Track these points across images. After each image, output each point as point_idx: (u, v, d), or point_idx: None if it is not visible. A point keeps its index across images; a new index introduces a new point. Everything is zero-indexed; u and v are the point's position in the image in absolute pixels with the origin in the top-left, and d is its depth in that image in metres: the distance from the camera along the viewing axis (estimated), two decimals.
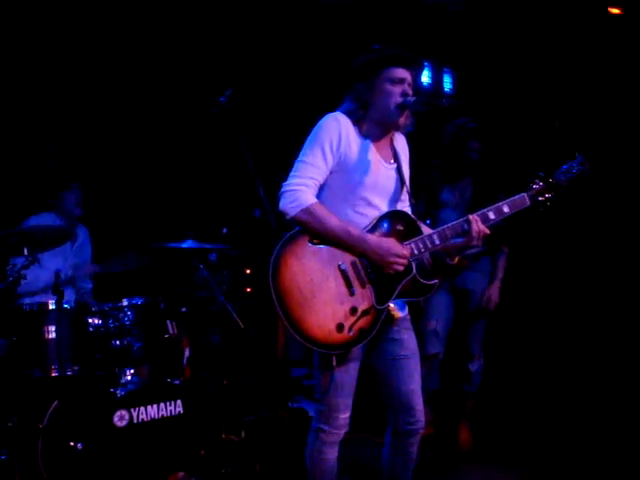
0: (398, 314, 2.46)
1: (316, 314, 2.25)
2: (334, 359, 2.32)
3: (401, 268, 2.34)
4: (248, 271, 4.43)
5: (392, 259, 2.32)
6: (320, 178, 2.36)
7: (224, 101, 3.27)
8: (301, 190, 2.31)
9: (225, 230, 4.19)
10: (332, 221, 2.31)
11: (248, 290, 4.39)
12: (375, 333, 2.36)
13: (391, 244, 2.34)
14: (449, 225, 2.45)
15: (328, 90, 4.50)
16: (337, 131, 2.36)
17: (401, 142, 2.59)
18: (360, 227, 2.39)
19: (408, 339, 2.51)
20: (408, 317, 2.56)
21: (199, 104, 4.26)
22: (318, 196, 2.39)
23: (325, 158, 2.34)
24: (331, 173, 2.39)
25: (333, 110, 2.48)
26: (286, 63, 4.75)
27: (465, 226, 2.43)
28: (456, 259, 2.50)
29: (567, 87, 4.93)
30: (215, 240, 4.02)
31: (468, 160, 3.83)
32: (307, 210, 2.29)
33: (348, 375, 2.39)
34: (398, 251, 2.33)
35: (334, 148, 2.34)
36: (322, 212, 2.31)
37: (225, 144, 4.23)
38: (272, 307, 2.23)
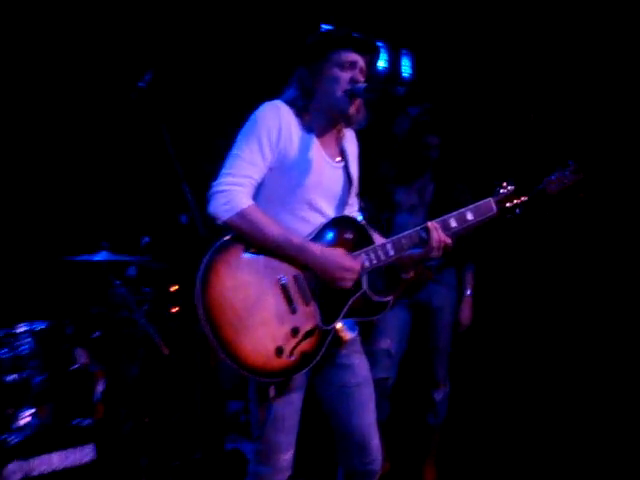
0: (347, 336, 2.47)
1: (252, 336, 2.23)
2: (272, 389, 2.32)
3: (350, 284, 2.35)
4: (174, 288, 4.38)
5: (340, 273, 2.32)
6: (257, 176, 2.35)
7: (143, 86, 3.23)
8: (235, 190, 2.29)
9: (146, 239, 4.14)
10: (271, 227, 2.29)
11: (174, 310, 4.34)
12: (320, 358, 2.36)
13: (339, 255, 2.34)
14: (405, 234, 2.46)
15: (268, 75, 4.56)
16: (277, 122, 2.35)
17: (349, 138, 2.61)
18: (302, 235, 2.38)
19: (359, 364, 2.52)
20: (359, 339, 2.58)
21: (113, 90, 4.22)
22: (254, 198, 2.38)
23: (263, 153, 2.33)
24: (269, 171, 2.39)
25: (273, 98, 2.48)
26: (219, 42, 4.74)
27: (423, 235, 2.45)
28: (411, 273, 2.55)
29: (543, 73, 5.10)
30: (134, 251, 3.98)
31: (425, 157, 3.86)
32: (242, 214, 2.27)
33: (290, 408, 2.39)
34: (347, 264, 2.33)
35: (273, 141, 2.34)
36: (259, 216, 2.29)
37: (145, 138, 4.20)
38: (201, 329, 2.20)
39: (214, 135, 4.26)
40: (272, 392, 2.32)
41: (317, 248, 2.34)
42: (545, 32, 5.04)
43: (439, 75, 5.37)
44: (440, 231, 2.46)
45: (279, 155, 2.37)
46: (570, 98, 4.99)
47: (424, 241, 2.45)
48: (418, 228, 2.48)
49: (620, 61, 4.80)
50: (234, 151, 2.35)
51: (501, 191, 2.60)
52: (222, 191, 2.29)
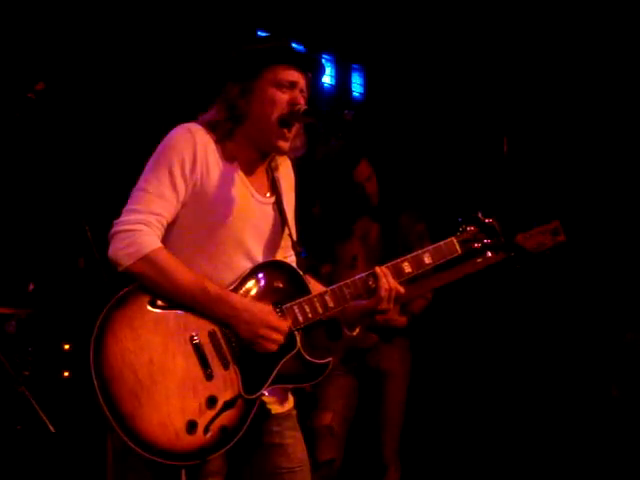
0: (278, 408, 2.42)
1: (157, 408, 2.17)
2: (184, 474, 2.23)
3: (274, 347, 2.30)
4: (66, 347, 4.30)
5: (263, 331, 2.27)
6: (167, 214, 2.31)
7: (33, 98, 3.23)
8: (140, 231, 2.24)
9: (31, 286, 4.07)
10: (183, 274, 2.26)
11: (65, 375, 4.25)
12: (244, 435, 2.27)
13: (263, 310, 2.31)
14: (348, 281, 2.43)
15: (187, 90, 4.59)
16: (191, 149, 2.32)
17: (284, 168, 2.58)
18: (225, 284, 2.35)
19: (294, 445, 2.46)
20: (293, 412, 2.51)
21: None
22: (164, 240, 2.34)
23: (175, 186, 2.30)
24: (182, 208, 2.35)
25: (193, 117, 2.44)
26: (129, 50, 4.74)
27: (370, 283, 2.44)
28: (356, 329, 2.55)
29: (513, 90, 5.32)
30: (15, 301, 3.92)
31: (358, 194, 3.87)
32: (147, 258, 2.22)
33: None
34: (273, 321, 2.29)
35: (187, 172, 2.31)
36: (168, 261, 2.25)
37: (35, 160, 4.16)
38: (90, 391, 2.14)
39: (123, 159, 4.24)
40: (184, 478, 2.24)
41: (238, 299, 2.31)
42: (511, 48, 5.25)
43: (394, 94, 5.47)
44: (390, 278, 2.45)
45: (194, 189, 2.33)
46: (543, 120, 5.22)
47: (371, 290, 2.43)
48: (364, 275, 2.45)
49: (599, 87, 5.10)
50: (140, 184, 2.30)
51: (467, 228, 2.63)
52: (124, 231, 2.24)
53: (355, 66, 5.65)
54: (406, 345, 4.05)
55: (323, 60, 5.42)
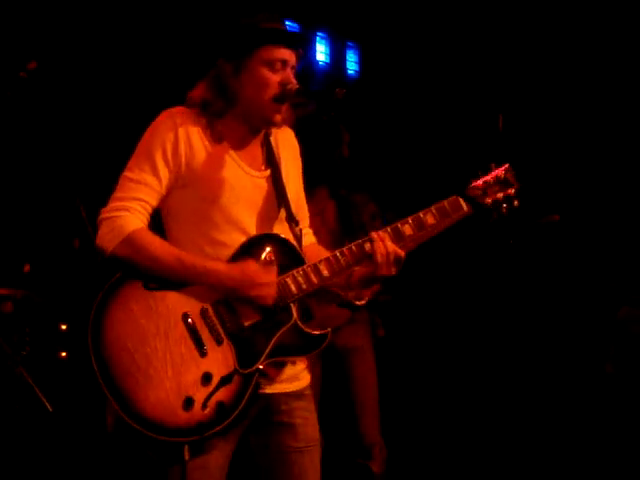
0: (287, 386, 2.39)
1: (155, 387, 2.21)
2: (187, 450, 2.24)
3: (270, 301, 2.31)
4: (63, 327, 4.30)
5: (255, 291, 2.28)
6: (151, 199, 2.34)
7: (26, 77, 3.20)
8: (120, 216, 2.29)
9: (27, 267, 4.07)
10: (162, 251, 2.29)
11: (63, 355, 4.26)
12: (244, 410, 2.28)
13: (249, 269, 2.30)
14: (344, 249, 2.40)
15: (180, 67, 4.56)
16: (173, 134, 2.34)
17: (285, 139, 2.57)
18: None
19: (304, 425, 2.45)
20: (307, 392, 2.49)
21: None
22: (166, 227, 2.39)
23: (156, 172, 2.33)
24: (173, 190, 2.38)
25: (181, 96, 2.43)
26: (121, 28, 4.71)
27: (367, 248, 2.39)
28: (364, 297, 2.51)
29: (508, 68, 5.30)
30: (11, 282, 3.92)
31: (323, 159, 3.72)
32: (126, 240, 2.27)
33: (209, 476, 2.32)
34: (260, 277, 2.29)
35: (169, 157, 2.34)
36: (148, 240, 2.29)
37: (28, 140, 4.15)
38: (91, 373, 2.20)
39: (116, 138, 4.21)
40: (187, 454, 2.25)
41: (221, 266, 2.31)
42: (507, 26, 5.23)
43: (390, 72, 5.44)
44: (388, 241, 2.38)
45: (181, 172, 2.36)
46: (536, 96, 5.20)
47: (369, 256, 2.39)
48: (360, 240, 2.41)
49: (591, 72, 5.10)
50: (124, 172, 2.35)
51: (477, 182, 2.47)
52: (106, 219, 2.30)
53: (350, 44, 5.60)
54: (366, 318, 4.01)
55: (318, 37, 5.39)
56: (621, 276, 4.88)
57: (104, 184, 2.47)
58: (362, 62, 5.65)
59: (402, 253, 2.40)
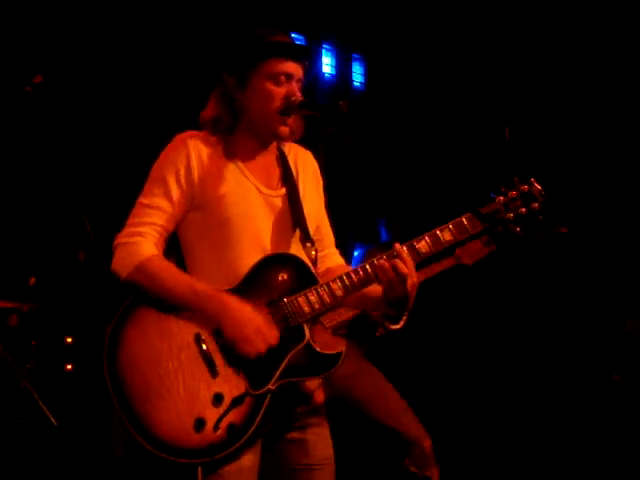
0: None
1: (167, 408, 2.21)
2: (199, 471, 2.22)
3: (258, 350, 2.26)
4: (69, 340, 4.29)
5: (250, 334, 2.25)
6: (166, 223, 2.36)
7: (31, 91, 3.21)
8: (135, 242, 2.31)
9: (32, 280, 4.07)
10: (172, 278, 2.29)
11: (68, 368, 4.25)
12: (256, 432, 2.26)
13: (253, 315, 2.27)
14: (358, 267, 2.36)
15: (184, 82, 4.56)
16: (185, 158, 2.36)
17: (304, 159, 2.56)
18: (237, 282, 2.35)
19: (315, 441, 2.42)
20: (321, 409, 2.47)
21: None
22: (183, 249, 2.41)
23: (169, 197, 2.35)
24: (188, 213, 2.39)
25: (187, 113, 2.47)
26: (126, 42, 4.71)
27: (380, 272, 2.30)
28: (402, 320, 2.38)
29: (514, 80, 5.29)
30: (17, 295, 3.92)
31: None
32: (140, 267, 2.29)
33: None
34: (262, 326, 2.26)
35: (182, 181, 2.35)
36: (161, 267, 2.30)
37: (34, 153, 4.14)
38: (105, 394, 2.21)
39: (122, 152, 4.22)
40: (200, 476, 2.23)
41: (232, 300, 2.29)
42: (512, 38, 5.22)
43: (395, 83, 5.41)
44: (407, 255, 2.30)
45: (195, 195, 2.36)
46: (542, 108, 5.19)
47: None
48: (373, 259, 2.34)
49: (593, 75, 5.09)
50: (138, 199, 2.38)
51: (499, 198, 2.36)
52: (121, 244, 2.33)
53: (356, 56, 5.60)
54: (354, 344, 3.99)
55: (323, 49, 5.39)
56: (628, 289, 4.88)
57: (109, 197, 2.47)
58: (368, 74, 5.64)
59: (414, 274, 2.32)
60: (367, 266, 2.35)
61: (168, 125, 2.55)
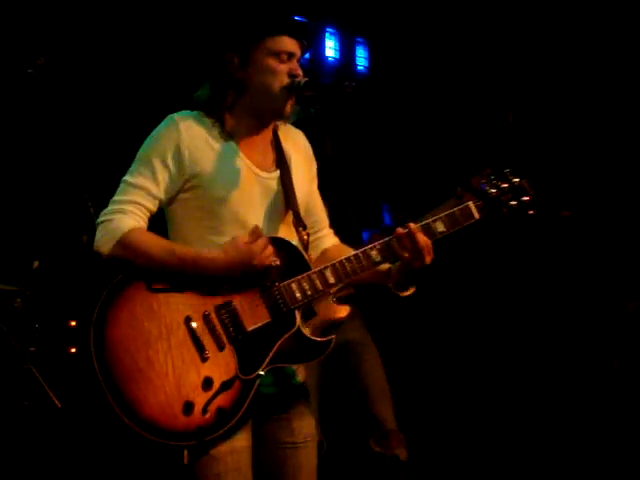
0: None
1: (155, 390, 2.21)
2: (185, 454, 2.24)
3: (273, 259, 2.29)
4: (72, 323, 4.31)
5: (254, 262, 2.26)
6: (148, 203, 2.34)
7: (33, 73, 3.20)
8: (115, 219, 2.30)
9: (36, 264, 4.07)
10: (156, 247, 2.29)
11: (72, 351, 4.27)
12: (244, 415, 2.28)
13: (239, 241, 2.28)
14: (350, 255, 2.38)
15: (188, 62, 4.55)
16: (174, 138, 2.35)
17: (296, 140, 2.57)
18: None
19: (299, 419, 2.46)
20: (303, 387, 2.50)
21: None
22: (170, 233, 2.41)
23: (155, 177, 2.33)
24: (179, 195, 2.38)
25: (189, 93, 2.44)
26: (128, 23, 4.70)
27: (374, 255, 2.37)
28: (410, 288, 2.43)
29: (518, 65, 5.26)
30: (20, 278, 3.92)
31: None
32: (121, 240, 2.27)
33: (237, 475, 2.32)
34: (255, 244, 2.27)
35: (170, 163, 2.34)
36: (140, 238, 2.29)
37: (37, 136, 4.14)
38: (90, 373, 2.20)
39: (124, 135, 4.20)
40: (186, 458, 2.25)
41: (214, 252, 2.30)
42: (517, 22, 5.19)
43: (399, 67, 5.38)
44: (419, 235, 2.34)
45: (190, 176, 2.36)
46: (549, 95, 5.17)
47: (376, 263, 2.38)
48: (367, 247, 2.39)
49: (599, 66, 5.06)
50: (124, 177, 2.38)
51: (490, 190, 2.47)
52: (102, 222, 2.33)
53: (360, 39, 5.57)
54: (360, 314, 4.02)
55: (327, 33, 5.37)
56: (629, 271, 4.87)
57: (112, 180, 2.46)
58: (372, 58, 5.61)
59: (429, 242, 2.37)
60: (360, 254, 2.38)
61: (170, 108, 2.53)
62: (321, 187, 3.46)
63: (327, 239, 2.64)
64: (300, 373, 2.51)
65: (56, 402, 3.60)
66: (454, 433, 5.02)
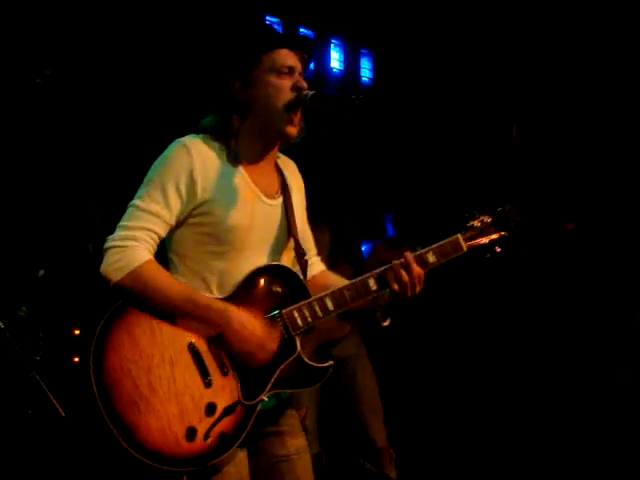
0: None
1: (157, 416, 2.19)
2: (185, 478, 2.23)
3: (264, 361, 2.29)
4: (77, 332, 4.31)
5: (255, 344, 2.26)
6: (160, 230, 2.31)
7: (42, 83, 3.21)
8: (129, 246, 2.25)
9: (41, 272, 4.08)
10: (168, 286, 2.26)
11: (76, 360, 4.27)
12: (246, 438, 2.28)
13: (257, 326, 2.28)
14: (349, 284, 2.40)
15: (194, 77, 4.57)
16: (187, 167, 2.31)
17: (290, 169, 2.57)
18: (230, 291, 2.36)
19: (290, 431, 2.48)
20: (290, 397, 2.51)
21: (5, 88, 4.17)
22: (173, 256, 2.39)
23: (168, 205, 2.30)
24: (190, 218, 2.35)
25: (196, 108, 2.44)
26: (137, 36, 4.72)
27: (371, 285, 2.39)
28: (388, 320, 2.49)
29: (522, 77, 5.28)
30: (26, 287, 3.93)
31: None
32: (134, 273, 2.23)
33: None
34: (263, 339, 2.27)
35: (182, 189, 2.30)
36: (155, 275, 2.25)
37: (44, 146, 4.15)
38: (89, 397, 2.18)
39: (132, 145, 4.23)
40: None
41: (235, 311, 2.28)
42: (521, 34, 5.21)
43: (403, 79, 5.41)
44: (414, 266, 2.38)
45: (199, 203, 2.33)
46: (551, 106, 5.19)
47: (373, 292, 2.40)
48: (365, 276, 2.41)
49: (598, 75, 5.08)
50: (133, 200, 2.32)
51: (474, 224, 2.53)
52: (113, 247, 2.27)
53: (364, 51, 5.59)
54: (358, 329, 4.04)
55: (332, 45, 5.40)
56: (636, 284, 4.87)
57: (119, 189, 2.47)
58: (376, 69, 5.64)
59: (422, 273, 2.41)
60: (357, 283, 2.40)
61: (175, 123, 2.53)
62: (321, 202, 3.49)
63: (315, 266, 2.65)
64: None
65: (60, 411, 3.59)
66: (451, 446, 5.01)
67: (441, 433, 5.10)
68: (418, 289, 2.39)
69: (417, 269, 2.38)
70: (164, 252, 2.43)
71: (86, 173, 3.77)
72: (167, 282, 2.27)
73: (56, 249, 4.37)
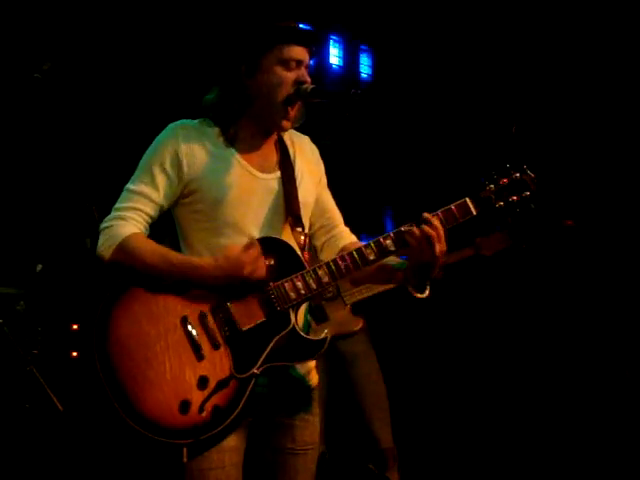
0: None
1: (153, 389, 2.25)
2: (184, 452, 2.25)
3: (263, 272, 2.30)
4: (74, 327, 4.32)
5: (245, 272, 2.27)
6: (148, 209, 2.40)
7: (40, 78, 3.21)
8: (116, 225, 2.36)
9: (39, 267, 4.08)
10: (152, 253, 2.33)
11: (74, 355, 4.27)
12: (240, 414, 2.29)
13: (232, 251, 2.29)
14: (345, 254, 2.37)
15: (195, 68, 4.57)
16: (173, 146, 2.39)
17: (301, 145, 2.58)
18: None
19: (303, 427, 2.46)
20: (313, 394, 2.50)
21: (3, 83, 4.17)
22: (179, 237, 2.46)
23: (155, 184, 2.38)
24: (180, 200, 2.43)
25: (196, 99, 2.47)
26: (137, 28, 4.72)
27: (368, 253, 2.34)
28: (426, 290, 2.39)
29: (522, 77, 5.26)
30: (23, 281, 3.93)
31: None
32: (120, 246, 2.33)
33: (227, 476, 2.33)
34: (246, 254, 2.27)
35: (169, 170, 2.39)
36: (139, 244, 2.33)
37: (42, 141, 4.16)
38: (92, 373, 2.26)
39: (129, 140, 4.22)
40: (185, 457, 2.27)
41: (206, 259, 2.35)
42: (524, 32, 5.19)
43: (403, 75, 5.39)
44: (436, 222, 2.30)
45: (188, 182, 2.40)
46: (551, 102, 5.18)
47: (371, 262, 2.35)
48: (362, 245, 2.37)
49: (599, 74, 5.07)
50: (127, 185, 2.43)
51: (488, 186, 2.39)
52: (104, 228, 2.38)
53: (363, 47, 5.59)
54: (365, 326, 4.03)
55: (331, 41, 5.40)
56: (638, 280, 4.86)
57: (116, 184, 2.49)
58: (375, 66, 5.63)
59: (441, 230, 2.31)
60: (354, 252, 2.37)
61: (176, 112, 2.56)
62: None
63: (343, 236, 2.61)
64: (312, 377, 2.51)
65: (58, 405, 3.60)
66: (454, 449, 4.99)
67: (446, 436, 5.08)
68: (437, 248, 2.28)
69: (437, 222, 2.31)
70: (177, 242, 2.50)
71: (83, 168, 3.78)
72: (149, 249, 2.34)
73: (54, 244, 4.38)
